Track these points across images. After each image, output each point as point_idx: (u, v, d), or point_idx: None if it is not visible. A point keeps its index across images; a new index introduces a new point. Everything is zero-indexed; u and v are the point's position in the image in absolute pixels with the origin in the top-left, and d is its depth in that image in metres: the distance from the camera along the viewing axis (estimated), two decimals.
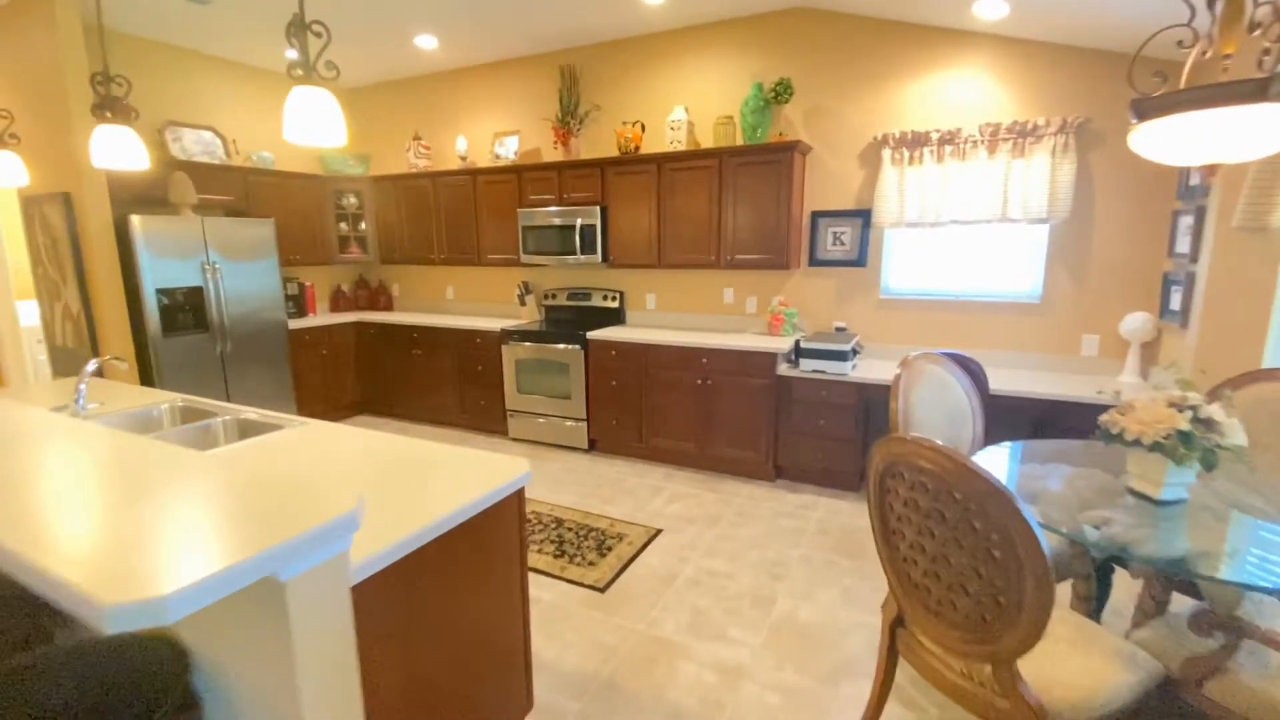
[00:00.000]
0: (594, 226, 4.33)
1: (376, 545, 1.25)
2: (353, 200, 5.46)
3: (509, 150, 4.92)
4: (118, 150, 2.30)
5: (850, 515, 3.38)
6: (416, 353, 5.11)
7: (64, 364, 4.18)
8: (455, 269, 5.59)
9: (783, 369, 3.71)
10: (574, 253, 4.43)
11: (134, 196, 4.06)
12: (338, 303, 5.77)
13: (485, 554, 1.60)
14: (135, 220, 3.74)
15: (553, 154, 4.80)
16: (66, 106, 3.58)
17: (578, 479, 3.93)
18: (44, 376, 4.69)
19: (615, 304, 4.71)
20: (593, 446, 4.47)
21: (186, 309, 4.02)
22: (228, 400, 4.26)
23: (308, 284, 5.37)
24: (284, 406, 4.63)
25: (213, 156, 4.67)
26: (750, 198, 3.86)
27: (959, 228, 3.63)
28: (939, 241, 3.76)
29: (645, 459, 4.26)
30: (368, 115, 5.78)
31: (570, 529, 3.24)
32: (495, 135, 5.03)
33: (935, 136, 3.53)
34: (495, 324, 4.79)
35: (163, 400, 2.44)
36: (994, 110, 3.46)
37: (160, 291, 3.88)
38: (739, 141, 4.03)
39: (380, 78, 5.49)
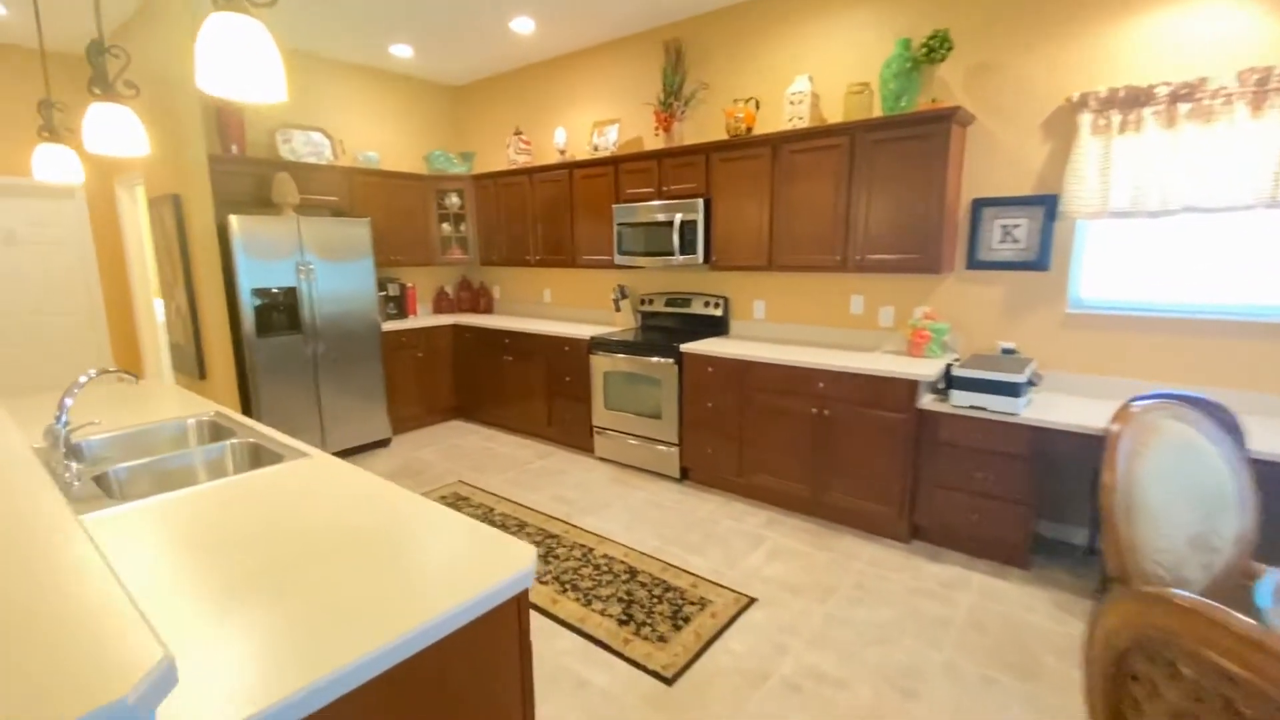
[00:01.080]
0: (694, 223, 3.75)
1: (268, 697, 0.77)
2: (455, 200, 5.31)
3: (608, 140, 4.48)
4: (113, 133, 2.02)
5: (1017, 605, 2.51)
6: (508, 359, 4.82)
7: (180, 361, 4.34)
8: (552, 271, 5.27)
9: (926, 401, 2.89)
10: (672, 253, 3.87)
11: (242, 198, 4.11)
12: (440, 305, 5.68)
13: (460, 694, 1.08)
14: (234, 220, 3.73)
15: (654, 142, 4.28)
16: (176, 106, 3.64)
17: (663, 515, 3.37)
18: (168, 372, 4.97)
19: (718, 311, 4.09)
20: (685, 476, 3.88)
21: (281, 309, 3.99)
22: (319, 405, 4.20)
23: (409, 285, 5.30)
24: (375, 410, 4.52)
25: (320, 157, 4.69)
26: (890, 182, 3.07)
27: (1196, 217, 2.61)
28: (1161, 236, 2.75)
29: (745, 496, 3.60)
30: (471, 112, 5.62)
31: (644, 583, 2.68)
32: (594, 125, 4.61)
33: (1164, 92, 2.54)
34: (588, 330, 4.36)
35: (183, 415, 2.21)
36: (1263, 49, 2.42)
37: (255, 292, 3.86)
38: (877, 113, 3.25)
39: (481, 73, 5.29)
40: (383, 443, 4.68)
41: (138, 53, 3.90)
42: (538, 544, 3.05)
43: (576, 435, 4.42)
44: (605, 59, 4.54)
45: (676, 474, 3.84)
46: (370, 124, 5.14)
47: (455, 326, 5.20)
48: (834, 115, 3.47)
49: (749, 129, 3.64)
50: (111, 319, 5.02)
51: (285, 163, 4.31)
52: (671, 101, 3.95)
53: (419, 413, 5.05)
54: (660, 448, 3.87)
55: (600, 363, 4.11)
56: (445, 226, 5.34)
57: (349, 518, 1.36)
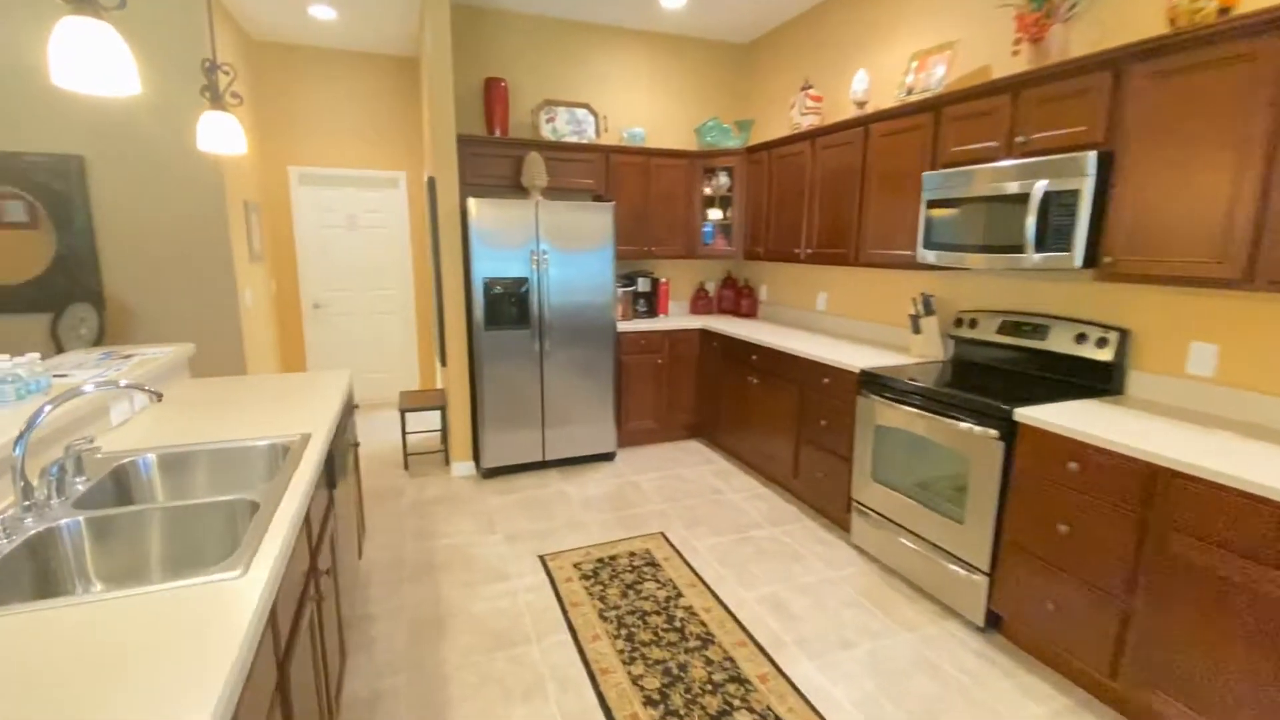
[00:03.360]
0: (1074, 195, 2.12)
1: None
2: (723, 180, 4.42)
3: (932, 79, 3.01)
4: (221, 136, 2.15)
5: None
6: (752, 380, 3.77)
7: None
8: (829, 269, 3.99)
9: None
10: (1022, 247, 2.30)
11: (498, 182, 3.91)
12: (697, 304, 4.90)
13: None
14: (471, 204, 3.49)
15: (1009, 66, 2.68)
16: (434, 88, 3.51)
17: (941, 696, 1.96)
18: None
19: (1105, 354, 2.34)
20: (993, 625, 2.33)
21: (511, 301, 3.67)
22: (542, 408, 3.81)
23: (662, 280, 4.63)
24: (602, 419, 3.98)
25: (581, 136, 4.28)
26: None
27: None
28: None
29: (1118, 707, 1.92)
30: (754, 73, 4.62)
31: None
32: (913, 57, 3.16)
33: None
34: (863, 358, 3.04)
35: (181, 442, 1.77)
36: None
37: (488, 281, 3.59)
38: None
39: (769, 22, 4.23)
40: (606, 457, 4.13)
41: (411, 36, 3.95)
42: (710, 691, 1.99)
43: (828, 501, 3.16)
44: None
45: (979, 618, 2.31)
46: (638, 96, 4.57)
47: (704, 332, 4.35)
48: None
49: (1225, 9, 1.86)
50: (419, 301, 5.55)
51: (543, 143, 3.99)
52: None
53: (652, 427, 4.37)
54: (954, 568, 2.38)
55: (873, 409, 2.76)
56: (711, 212, 4.50)
57: None
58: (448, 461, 4.06)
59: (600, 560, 2.82)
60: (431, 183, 3.73)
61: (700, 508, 3.40)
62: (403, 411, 3.88)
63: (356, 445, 2.63)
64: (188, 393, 2.32)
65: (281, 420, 1.96)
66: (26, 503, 1.27)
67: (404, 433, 3.94)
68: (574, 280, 3.77)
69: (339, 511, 2.02)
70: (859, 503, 2.88)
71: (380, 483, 3.74)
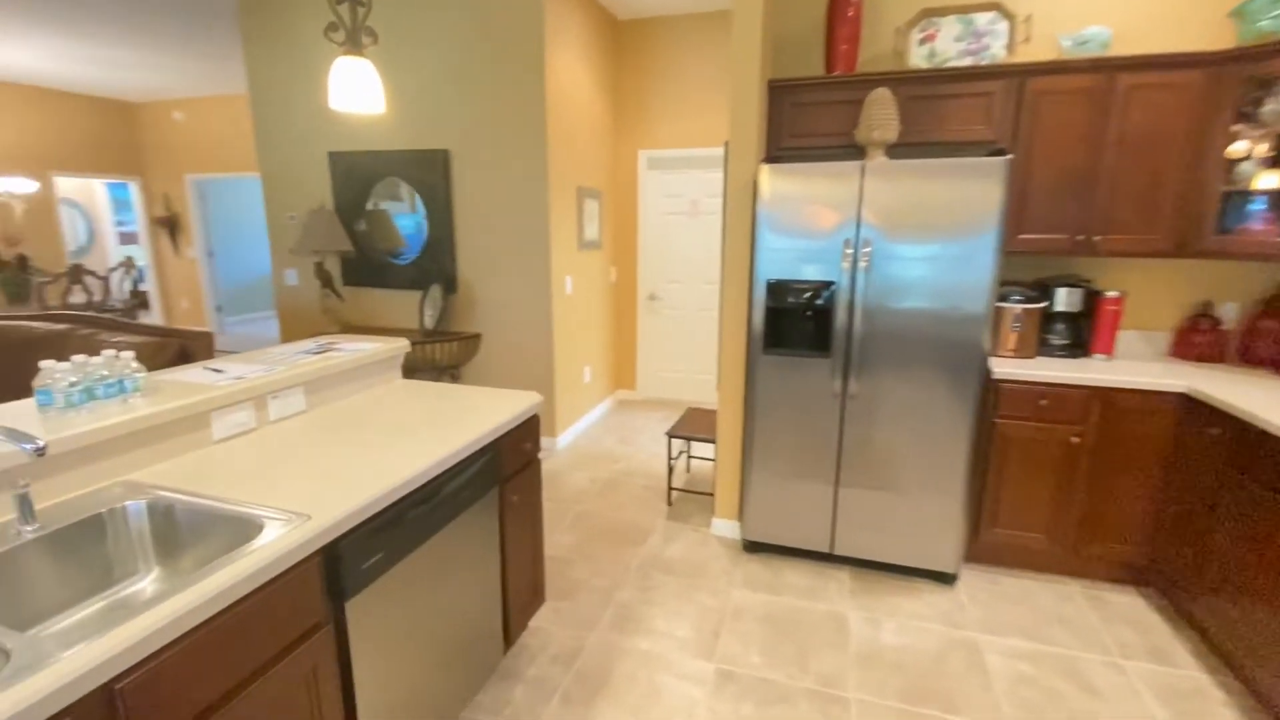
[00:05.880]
0: None
1: None
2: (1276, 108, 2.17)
3: None
4: (357, 89, 1.80)
5: None
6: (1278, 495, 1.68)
7: None
8: None
9: None
10: None
11: (832, 141, 2.73)
12: (1187, 342, 2.68)
13: None
14: (763, 173, 2.43)
15: None
16: (737, 12, 2.55)
17: None
18: None
19: None
20: None
21: (804, 313, 2.49)
22: (835, 478, 2.54)
23: (1109, 294, 2.63)
24: (939, 515, 2.46)
25: (980, 55, 2.67)
26: None
27: None
28: None
29: None
30: None
31: None
32: None
33: None
34: None
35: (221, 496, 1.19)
36: None
37: (773, 285, 2.50)
38: None
39: None
40: (938, 578, 2.56)
41: None
42: None
43: None
44: None
45: None
46: None
47: (1189, 400, 2.26)
48: None
49: None
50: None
51: (906, 74, 2.60)
52: None
53: (1040, 547, 2.55)
54: None
55: None
56: (1248, 171, 2.30)
57: None
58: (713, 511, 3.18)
59: None
60: (726, 149, 2.81)
61: None
62: (670, 437, 3.15)
63: (534, 463, 2.00)
64: (352, 403, 2.04)
65: (352, 467, 1.41)
66: None
67: (669, 460, 3.22)
68: (914, 285, 2.33)
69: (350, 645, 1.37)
70: None
71: (629, 516, 3.12)
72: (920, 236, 2.29)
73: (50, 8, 4.24)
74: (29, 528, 1.16)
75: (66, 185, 7.79)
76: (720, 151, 4.56)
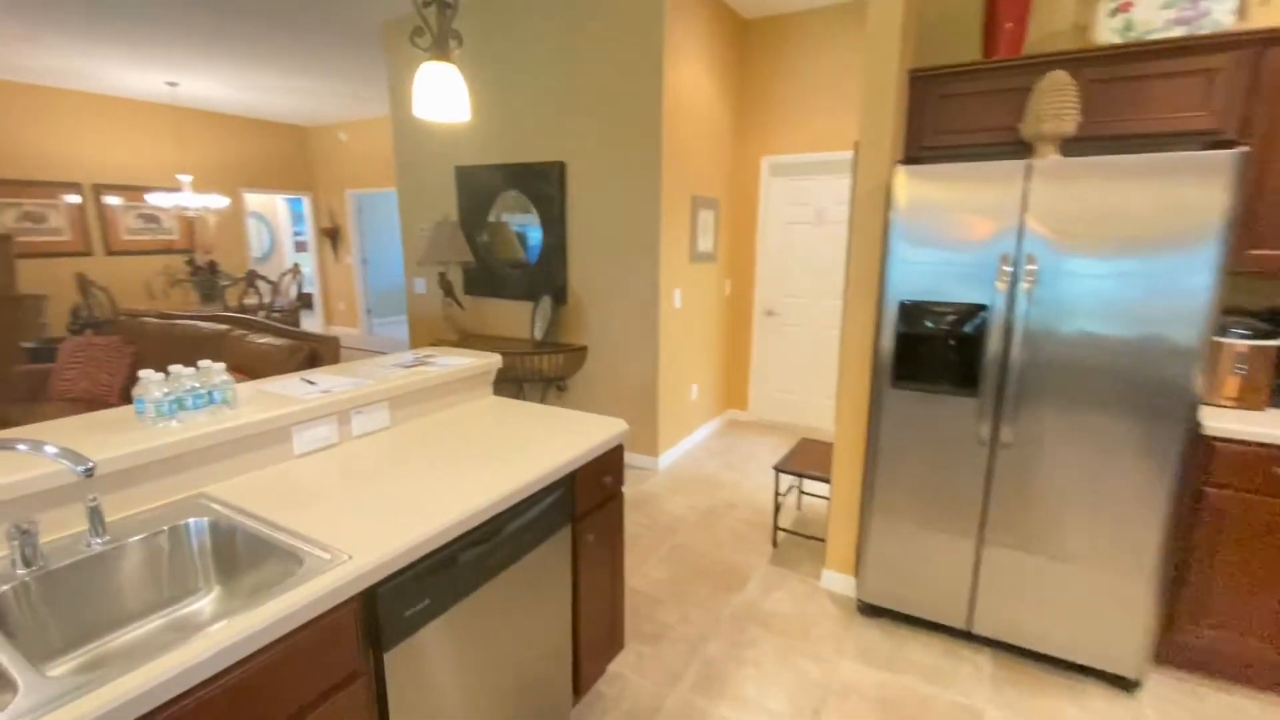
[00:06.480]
0: None
1: None
2: None
3: None
4: (443, 96, 1.68)
5: None
6: None
7: None
8: None
9: None
10: None
11: (979, 135, 2.31)
12: None
13: None
14: (899, 176, 2.08)
15: None
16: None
17: None
18: None
19: None
20: None
21: (946, 341, 2.09)
22: (978, 541, 2.11)
23: None
24: (1120, 595, 1.95)
25: (1194, 24, 2.11)
26: None
27: None
28: None
29: None
30: None
31: None
32: None
33: None
34: None
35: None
36: None
37: (907, 306, 2.13)
38: None
39: None
40: (1114, 681, 2.03)
41: None
42: None
43: None
44: None
45: None
46: None
47: None
48: None
49: None
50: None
51: (1090, 54, 2.12)
52: None
53: (1267, 658, 1.93)
54: None
55: None
56: None
57: None
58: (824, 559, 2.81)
59: None
60: (856, 153, 2.46)
61: None
62: (778, 471, 2.84)
63: (615, 494, 1.82)
64: (435, 420, 1.99)
65: (405, 497, 1.32)
66: None
67: (777, 495, 2.90)
68: (1095, 309, 1.86)
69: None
70: None
71: (728, 555, 2.84)
72: (1105, 250, 1.82)
73: (239, 46, 4.82)
74: (99, 540, 1.16)
75: (253, 200, 8.95)
76: (850, 156, 4.16)
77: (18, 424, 3.38)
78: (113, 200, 6.42)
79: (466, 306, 4.53)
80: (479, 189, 4.23)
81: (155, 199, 5.96)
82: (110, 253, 6.45)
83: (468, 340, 4.23)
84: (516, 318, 4.30)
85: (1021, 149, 2.21)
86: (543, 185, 3.92)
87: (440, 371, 1.99)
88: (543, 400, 4.22)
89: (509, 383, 4.21)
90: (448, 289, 4.24)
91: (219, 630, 0.90)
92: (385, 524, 1.23)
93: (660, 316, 3.69)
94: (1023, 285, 1.94)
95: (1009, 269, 1.95)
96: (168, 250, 6.88)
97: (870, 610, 2.41)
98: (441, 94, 1.61)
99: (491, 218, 4.24)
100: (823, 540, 2.97)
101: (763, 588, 2.59)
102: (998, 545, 2.10)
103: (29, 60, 5.07)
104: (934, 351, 2.11)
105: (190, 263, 6.77)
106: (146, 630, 1.19)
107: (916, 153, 2.40)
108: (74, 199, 6.15)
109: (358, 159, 7.86)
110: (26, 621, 1.04)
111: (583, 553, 1.72)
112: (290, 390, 1.71)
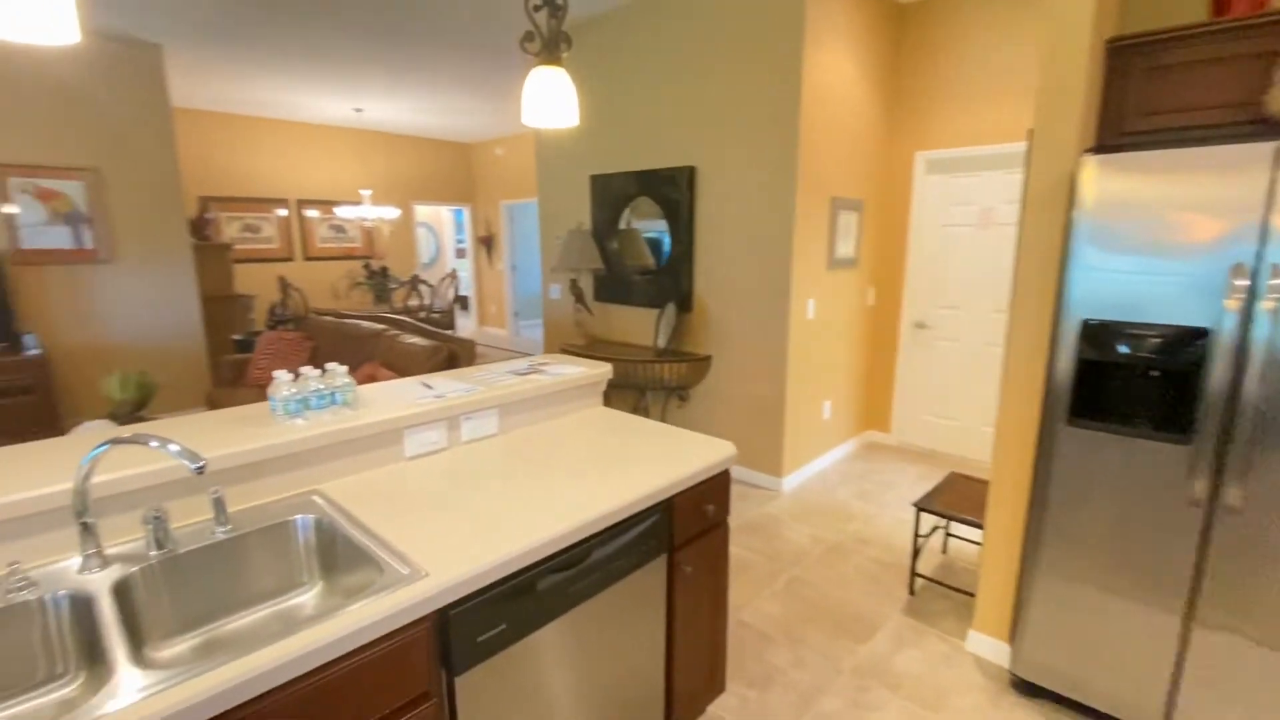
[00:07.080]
0: None
1: None
2: None
3: None
4: (553, 102, 1.64)
5: None
6: None
7: None
8: None
9: None
10: None
11: (1194, 116, 1.84)
12: None
13: None
14: (1088, 168, 1.70)
15: None
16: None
17: None
18: None
19: None
20: None
21: (1149, 374, 1.67)
22: (1186, 619, 1.67)
23: None
24: None
25: None
26: None
27: None
28: None
29: None
30: None
31: None
32: None
33: None
34: None
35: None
36: None
37: (1092, 326, 1.73)
38: None
39: None
40: None
41: None
42: None
43: None
44: None
45: None
46: None
47: None
48: None
49: None
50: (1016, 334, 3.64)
51: None
52: None
53: None
54: None
55: None
56: None
57: None
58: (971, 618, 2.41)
59: None
60: (1029, 143, 2.07)
61: None
62: (918, 510, 2.49)
63: (725, 523, 1.67)
64: (541, 430, 1.96)
65: (490, 517, 1.29)
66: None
67: (915, 539, 2.55)
68: None
69: None
70: None
71: (854, 598, 2.54)
72: None
73: (411, 72, 5.32)
74: (221, 529, 1.25)
75: (422, 211, 9.91)
76: (1023, 148, 3.60)
77: (220, 405, 3.98)
78: (311, 213, 7.42)
79: (595, 312, 4.60)
80: (611, 196, 4.26)
81: (342, 211, 6.79)
82: (307, 259, 7.46)
83: (594, 345, 4.28)
84: (642, 325, 4.27)
85: (1261, 130, 1.72)
86: (671, 191, 3.85)
87: (551, 380, 1.97)
88: (664, 410, 4.14)
89: (631, 390, 4.19)
90: (579, 295, 4.32)
91: (280, 646, 0.89)
92: (469, 541, 1.19)
93: (790, 326, 3.44)
94: (1263, 304, 1.49)
95: (1243, 282, 1.51)
96: (350, 256, 7.82)
97: (1027, 688, 2.01)
98: (551, 99, 1.57)
99: (622, 224, 4.26)
100: (971, 595, 2.56)
101: (894, 641, 2.27)
102: (1213, 628, 1.64)
103: (244, 94, 6.01)
104: (1127, 383, 1.70)
105: (367, 267, 7.63)
106: (256, 619, 1.26)
107: (1115, 140, 1.96)
108: (283, 212, 7.20)
109: (511, 171, 8.39)
110: (152, 601, 1.14)
111: (679, 586, 1.59)
112: (409, 393, 1.77)
